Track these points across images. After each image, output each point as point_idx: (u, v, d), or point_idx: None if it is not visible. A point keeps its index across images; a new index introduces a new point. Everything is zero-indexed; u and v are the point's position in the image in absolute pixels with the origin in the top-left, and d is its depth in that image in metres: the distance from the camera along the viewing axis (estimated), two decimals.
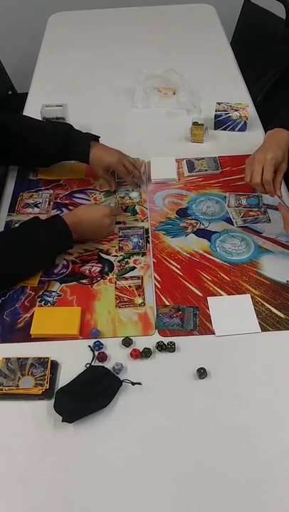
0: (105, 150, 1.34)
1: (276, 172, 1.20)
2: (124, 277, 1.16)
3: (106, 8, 2.37)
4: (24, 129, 1.35)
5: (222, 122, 1.58)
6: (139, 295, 1.12)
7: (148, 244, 1.24)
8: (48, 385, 0.95)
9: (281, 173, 1.22)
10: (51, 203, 1.37)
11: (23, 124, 1.38)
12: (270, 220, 1.27)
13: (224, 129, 1.60)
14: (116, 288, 1.14)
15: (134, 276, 1.16)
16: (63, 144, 1.33)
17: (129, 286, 1.14)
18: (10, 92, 2.46)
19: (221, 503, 0.82)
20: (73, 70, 1.95)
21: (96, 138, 1.37)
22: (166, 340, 1.02)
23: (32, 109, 1.67)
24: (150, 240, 1.25)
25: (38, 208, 1.35)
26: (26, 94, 1.86)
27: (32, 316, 1.08)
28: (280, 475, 0.85)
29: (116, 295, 1.12)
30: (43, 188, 1.42)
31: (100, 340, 1.03)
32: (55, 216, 1.18)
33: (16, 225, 1.30)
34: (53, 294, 1.13)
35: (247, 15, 2.39)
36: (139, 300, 1.11)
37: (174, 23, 2.23)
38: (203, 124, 1.53)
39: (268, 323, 1.06)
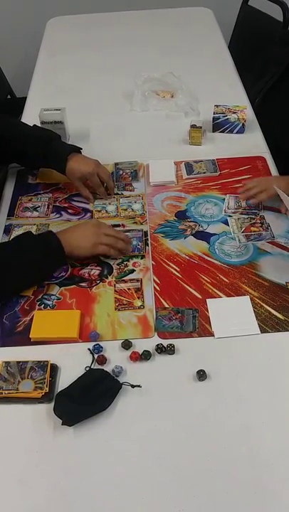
0: (81, 161, 1.34)
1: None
2: (123, 280, 1.16)
3: (104, 12, 2.38)
4: (7, 132, 1.36)
5: (220, 125, 1.59)
6: (139, 298, 1.12)
7: (147, 247, 1.24)
8: (47, 389, 0.95)
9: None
10: (50, 207, 1.37)
11: (8, 126, 1.40)
12: (274, 236, 1.24)
13: (222, 132, 1.60)
14: (115, 291, 1.14)
15: (134, 279, 1.16)
16: (43, 153, 1.34)
17: (128, 289, 1.14)
18: (9, 97, 2.47)
19: (222, 505, 0.82)
20: (72, 74, 1.95)
21: (78, 149, 1.38)
22: (165, 342, 1.02)
23: (31, 113, 1.68)
24: (149, 242, 1.25)
25: (37, 211, 1.36)
26: (25, 98, 1.87)
27: (31, 319, 1.08)
28: (280, 476, 0.85)
29: (115, 298, 1.13)
30: (42, 191, 1.42)
31: (99, 343, 1.03)
32: (48, 232, 1.17)
33: (16, 228, 1.30)
34: (53, 297, 1.13)
35: (245, 18, 2.40)
36: (138, 303, 1.11)
37: (172, 27, 2.24)
38: (201, 127, 1.53)
39: (267, 324, 1.06)
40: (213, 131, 1.60)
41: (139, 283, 1.15)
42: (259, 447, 0.88)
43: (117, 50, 2.08)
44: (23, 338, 1.05)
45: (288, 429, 0.90)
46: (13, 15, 2.85)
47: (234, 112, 1.57)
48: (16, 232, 1.29)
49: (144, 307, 1.10)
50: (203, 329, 1.05)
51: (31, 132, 1.39)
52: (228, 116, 1.57)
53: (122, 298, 1.12)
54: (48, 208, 1.37)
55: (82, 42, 2.17)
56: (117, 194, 1.40)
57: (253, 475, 0.85)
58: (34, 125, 1.43)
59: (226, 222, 1.30)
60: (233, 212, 1.31)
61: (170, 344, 1.01)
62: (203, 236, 1.26)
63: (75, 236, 1.17)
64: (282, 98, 1.81)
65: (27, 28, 2.77)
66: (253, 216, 1.30)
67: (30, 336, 1.05)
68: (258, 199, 1.31)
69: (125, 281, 1.16)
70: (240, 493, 0.83)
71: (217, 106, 1.59)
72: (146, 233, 1.27)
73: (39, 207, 1.37)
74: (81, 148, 1.39)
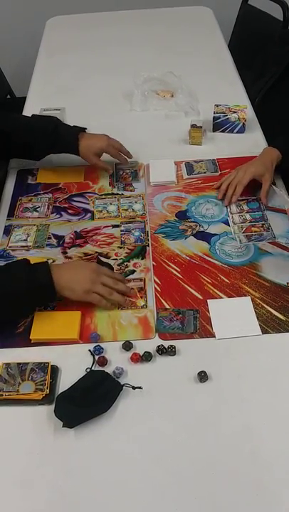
0: (93, 138, 1.39)
1: (261, 183, 1.32)
2: (126, 280, 1.16)
3: (103, 12, 2.37)
4: (11, 126, 1.36)
5: (220, 124, 1.58)
6: (142, 297, 1.12)
7: (147, 248, 1.23)
8: (48, 390, 0.94)
9: (267, 183, 1.31)
10: (50, 207, 1.37)
11: (10, 120, 1.39)
12: (274, 237, 1.24)
13: (223, 131, 1.60)
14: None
15: (137, 279, 1.16)
16: (52, 140, 1.36)
17: (131, 289, 1.14)
18: (8, 96, 2.46)
19: (223, 507, 0.82)
20: (71, 74, 1.95)
21: (83, 129, 1.40)
22: (166, 343, 1.02)
23: (30, 113, 1.66)
24: (150, 243, 1.25)
25: (37, 212, 1.35)
26: (25, 98, 1.86)
27: (32, 320, 1.08)
28: (281, 478, 0.84)
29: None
30: (42, 191, 1.42)
31: (100, 344, 1.03)
32: (42, 264, 1.06)
33: (16, 228, 1.30)
34: None
35: (244, 17, 2.39)
36: (141, 302, 1.11)
37: (171, 26, 2.23)
38: (201, 127, 1.53)
39: (268, 325, 1.05)
40: (214, 131, 1.60)
41: (143, 282, 1.15)
42: (260, 448, 0.87)
43: (116, 50, 2.07)
44: (23, 340, 1.05)
45: None
46: (13, 15, 2.84)
47: (234, 112, 1.57)
48: (16, 232, 1.29)
49: (146, 307, 1.10)
50: (204, 330, 1.05)
51: (33, 123, 1.39)
52: (228, 116, 1.57)
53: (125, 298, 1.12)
54: (48, 208, 1.36)
55: (81, 41, 2.16)
56: (118, 194, 1.40)
57: (254, 476, 0.84)
58: (33, 115, 1.44)
59: (227, 223, 1.29)
60: (239, 219, 1.30)
61: (171, 345, 1.01)
62: (203, 236, 1.26)
63: (70, 276, 1.06)
64: (282, 98, 1.81)
65: (26, 27, 2.77)
66: (257, 217, 1.30)
67: (30, 337, 1.05)
68: (236, 196, 1.32)
69: (128, 281, 1.15)
70: (242, 495, 0.82)
71: (217, 105, 1.59)
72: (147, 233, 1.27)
73: (39, 207, 1.36)
74: (86, 128, 1.41)
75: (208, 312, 1.08)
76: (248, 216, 1.30)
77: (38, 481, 0.85)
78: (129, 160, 1.47)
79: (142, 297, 1.12)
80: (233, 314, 1.08)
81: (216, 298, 1.11)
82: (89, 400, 0.92)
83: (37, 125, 1.38)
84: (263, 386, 0.96)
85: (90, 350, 1.02)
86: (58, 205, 1.37)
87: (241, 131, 1.59)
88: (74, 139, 1.36)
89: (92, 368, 0.99)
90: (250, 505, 0.82)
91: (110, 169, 1.43)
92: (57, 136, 1.35)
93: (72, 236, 1.28)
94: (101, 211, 1.35)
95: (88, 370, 0.99)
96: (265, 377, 0.97)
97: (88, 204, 1.38)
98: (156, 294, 1.13)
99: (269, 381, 0.97)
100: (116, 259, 1.21)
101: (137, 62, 1.93)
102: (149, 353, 1.00)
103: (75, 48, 2.12)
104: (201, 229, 1.28)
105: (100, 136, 1.39)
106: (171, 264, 1.19)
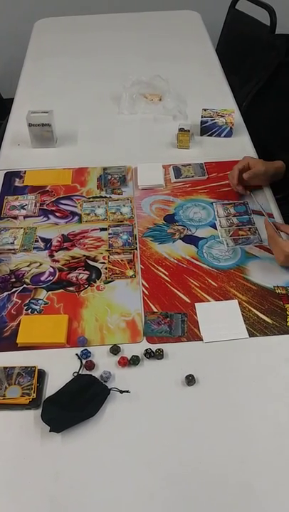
0: None
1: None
2: (116, 252, 1.21)
3: (92, 15, 2.37)
4: None
5: (208, 128, 1.59)
6: (131, 268, 1.17)
7: (136, 251, 1.23)
8: (35, 395, 0.94)
9: (256, 167, 1.33)
10: (37, 205, 1.36)
11: None
12: (261, 240, 1.24)
13: (210, 135, 1.60)
14: (109, 262, 1.19)
15: (127, 251, 1.21)
16: None
17: (122, 260, 1.19)
18: None
19: (212, 509, 0.82)
20: (59, 76, 1.94)
21: None
22: (154, 347, 1.02)
23: (18, 115, 1.67)
24: (138, 246, 1.25)
25: (25, 209, 1.35)
26: (12, 99, 1.85)
27: (18, 324, 1.07)
28: (270, 481, 0.85)
29: (108, 268, 1.17)
30: (29, 194, 1.41)
31: (87, 348, 1.03)
32: None
33: (2, 232, 1.29)
34: (40, 301, 1.12)
35: (232, 21, 2.41)
36: (130, 272, 1.15)
37: (159, 30, 2.24)
38: (189, 130, 1.53)
39: (255, 328, 1.06)
40: (201, 135, 1.61)
41: (132, 255, 1.20)
42: (248, 452, 0.88)
43: (104, 53, 2.07)
44: (10, 344, 1.04)
45: (278, 431, 0.90)
46: (1, 14, 2.83)
47: (222, 116, 1.58)
48: (3, 235, 1.28)
49: (135, 276, 1.15)
50: (192, 334, 1.05)
51: None
52: (216, 120, 1.57)
53: (115, 268, 1.17)
54: (35, 205, 1.36)
55: (69, 44, 2.16)
56: (106, 197, 1.40)
57: (243, 479, 0.84)
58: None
59: (214, 226, 1.30)
60: (226, 222, 1.30)
61: (159, 349, 1.01)
62: (191, 240, 1.26)
63: None
64: (268, 103, 1.82)
65: (14, 28, 2.75)
66: (244, 221, 1.30)
67: (17, 341, 1.04)
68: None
69: (118, 253, 1.20)
70: (230, 498, 0.83)
71: (205, 109, 1.60)
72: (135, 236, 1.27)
73: (26, 205, 1.36)
74: None
75: (196, 315, 1.08)
76: (235, 220, 1.31)
77: (24, 486, 0.85)
78: (117, 165, 1.47)
79: (131, 268, 1.17)
80: (220, 318, 1.08)
81: (204, 301, 1.11)
82: (76, 405, 0.92)
83: None
84: (251, 389, 0.96)
85: (77, 354, 1.02)
86: (45, 208, 1.37)
87: (229, 135, 1.60)
88: None
89: (80, 372, 0.99)
90: (238, 508, 0.82)
91: None
92: None
93: (59, 239, 1.27)
94: (89, 214, 1.35)
95: (75, 374, 0.98)
96: (253, 380, 0.98)
97: (76, 207, 1.37)
98: (144, 298, 1.13)
99: (256, 384, 0.97)
100: (104, 263, 1.21)
101: (125, 65, 1.94)
102: (136, 356, 1.00)
103: (63, 50, 2.11)
104: (189, 232, 1.29)
105: None
106: (159, 267, 1.20)
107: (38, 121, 1.51)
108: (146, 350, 1.01)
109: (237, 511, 0.82)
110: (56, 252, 1.24)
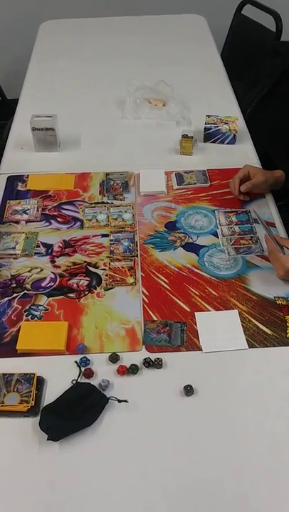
0: None
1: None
2: (117, 259, 1.21)
3: (97, 17, 2.37)
4: None
5: (211, 135, 1.59)
6: (131, 275, 1.17)
7: (136, 258, 1.23)
8: (33, 402, 0.94)
9: (255, 178, 1.35)
10: (40, 209, 1.36)
11: None
12: (263, 250, 1.24)
13: (213, 142, 1.60)
14: (109, 268, 1.19)
15: (127, 258, 1.21)
16: None
17: (122, 267, 1.19)
18: (0, 98, 2.45)
19: None
20: (64, 79, 1.94)
21: None
22: (153, 356, 1.02)
23: (22, 118, 1.67)
24: (138, 253, 1.25)
25: (27, 214, 1.35)
26: (16, 100, 1.85)
27: (18, 330, 1.07)
28: (266, 493, 0.85)
29: (109, 275, 1.18)
30: (31, 199, 1.41)
31: (86, 355, 1.03)
32: None
33: (4, 236, 1.29)
34: (40, 307, 1.12)
35: (237, 26, 2.41)
36: (130, 279, 1.15)
37: (165, 34, 2.24)
38: (192, 137, 1.53)
39: (255, 339, 1.06)
40: (205, 142, 1.60)
41: (133, 262, 1.20)
42: (246, 463, 0.88)
43: (109, 57, 2.07)
44: (9, 350, 1.04)
45: (275, 444, 0.90)
46: (7, 16, 2.83)
47: (226, 123, 1.57)
48: (5, 240, 1.28)
49: (136, 284, 1.15)
50: (191, 343, 1.05)
51: None
52: (219, 127, 1.57)
53: (116, 275, 1.17)
54: (37, 210, 1.36)
55: (74, 46, 2.16)
56: (108, 203, 1.40)
57: (239, 491, 0.85)
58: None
59: (216, 234, 1.30)
60: (228, 231, 1.30)
61: (158, 358, 1.01)
62: (192, 248, 1.26)
63: None
64: (272, 109, 1.82)
65: (20, 29, 2.75)
66: (246, 230, 1.30)
67: (16, 348, 1.04)
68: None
69: (119, 260, 1.21)
70: (227, 508, 0.83)
71: (209, 116, 1.60)
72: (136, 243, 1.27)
73: (28, 209, 1.36)
74: None
75: (196, 325, 1.08)
76: (236, 228, 1.31)
77: (22, 494, 0.85)
78: (119, 171, 1.47)
79: (131, 275, 1.17)
80: (220, 328, 1.08)
81: (204, 310, 1.11)
82: (74, 413, 0.92)
83: None
84: (249, 400, 0.96)
85: (76, 362, 1.02)
86: (47, 212, 1.37)
87: (232, 142, 1.60)
88: None
89: (78, 380, 0.99)
90: None
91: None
92: None
93: (61, 245, 1.28)
94: (90, 220, 1.35)
95: (74, 382, 0.98)
96: (251, 391, 0.98)
97: (78, 212, 1.37)
98: (144, 306, 1.13)
99: (255, 395, 0.97)
100: (104, 269, 1.21)
101: (130, 70, 1.93)
102: (135, 365, 1.00)
103: (68, 53, 2.11)
104: (190, 240, 1.28)
105: None
106: (159, 275, 1.20)
107: (42, 126, 1.51)
108: (145, 359, 1.01)
109: None
110: (57, 257, 1.24)
